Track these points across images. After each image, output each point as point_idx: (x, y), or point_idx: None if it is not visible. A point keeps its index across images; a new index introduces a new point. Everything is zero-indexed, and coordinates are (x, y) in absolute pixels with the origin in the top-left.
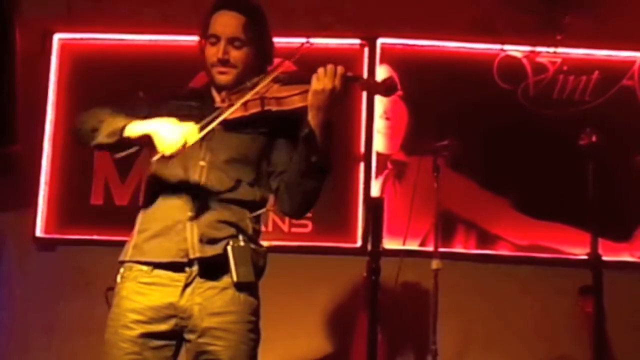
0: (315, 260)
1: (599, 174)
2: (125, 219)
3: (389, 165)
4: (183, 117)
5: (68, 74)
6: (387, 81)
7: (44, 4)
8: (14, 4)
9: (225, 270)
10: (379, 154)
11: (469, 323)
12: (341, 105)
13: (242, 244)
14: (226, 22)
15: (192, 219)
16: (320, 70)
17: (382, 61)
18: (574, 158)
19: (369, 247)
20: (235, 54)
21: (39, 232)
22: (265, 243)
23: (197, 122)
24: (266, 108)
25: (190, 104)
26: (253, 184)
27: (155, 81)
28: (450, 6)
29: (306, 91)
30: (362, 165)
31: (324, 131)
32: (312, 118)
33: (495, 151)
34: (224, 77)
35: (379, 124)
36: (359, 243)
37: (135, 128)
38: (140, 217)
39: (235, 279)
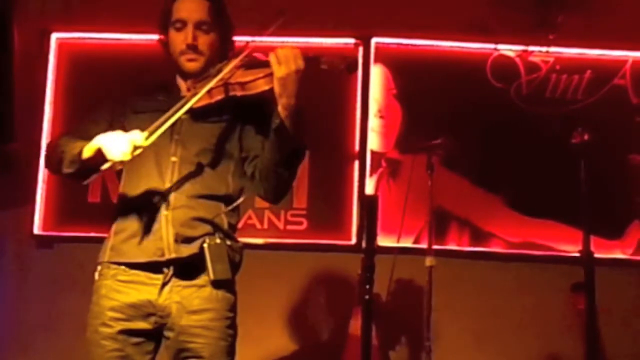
0: (311, 258)
1: (591, 172)
2: None
3: (384, 164)
4: (152, 112)
5: (65, 72)
6: (348, 59)
7: (42, 3)
8: (13, 3)
9: (202, 268)
10: (373, 152)
11: (462, 319)
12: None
13: (218, 241)
14: (192, 7)
15: (166, 217)
16: (280, 53)
17: (376, 60)
18: (566, 156)
19: (364, 245)
20: (203, 39)
21: (37, 230)
22: (260, 240)
23: (158, 115)
24: (231, 94)
25: (157, 97)
26: (226, 176)
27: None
28: (444, 6)
29: (271, 74)
30: (356, 164)
31: (295, 119)
32: (282, 108)
33: (488, 149)
34: (193, 64)
35: (374, 122)
36: (353, 240)
37: (87, 148)
38: (117, 219)
39: (212, 277)
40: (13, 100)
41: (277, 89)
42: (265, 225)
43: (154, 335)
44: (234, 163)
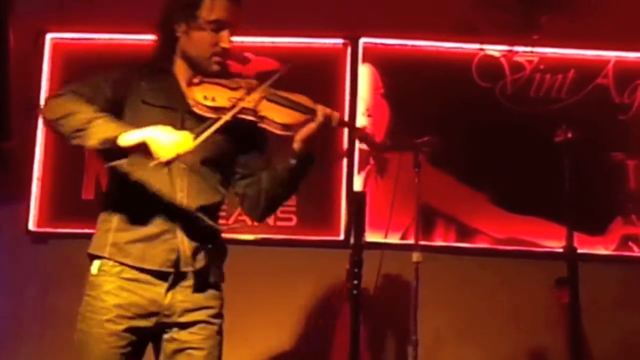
0: (300, 253)
1: (575, 170)
2: None
3: (371, 161)
4: (161, 107)
5: (60, 72)
6: (369, 134)
7: (37, 3)
8: (8, 3)
9: (203, 274)
10: (361, 150)
11: (448, 314)
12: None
13: (215, 247)
14: (232, 10)
15: (179, 229)
16: (326, 112)
17: (364, 60)
18: (550, 154)
19: (352, 240)
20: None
21: (31, 226)
22: (251, 236)
23: (167, 114)
24: (252, 119)
25: (161, 88)
26: (221, 187)
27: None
28: (431, 7)
29: (295, 124)
30: (345, 161)
31: (308, 163)
32: (300, 150)
33: (474, 147)
34: (219, 67)
35: (362, 121)
36: (342, 236)
37: (130, 137)
38: (117, 215)
39: (212, 280)
40: (9, 99)
41: (310, 134)
42: (256, 222)
43: (152, 335)
44: (224, 174)
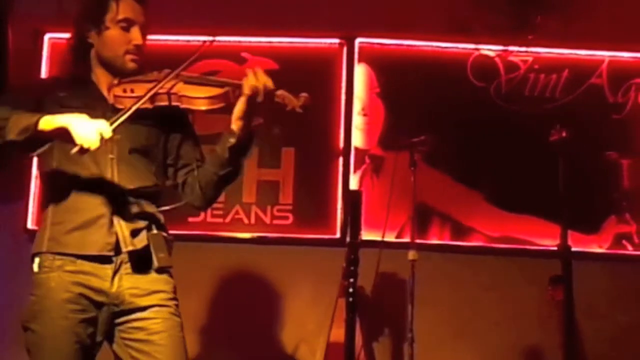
0: (296, 251)
1: (569, 169)
2: None
3: (367, 160)
4: (79, 107)
5: (58, 72)
6: (303, 98)
7: (35, 4)
8: (7, 4)
9: (145, 257)
10: (357, 149)
11: (444, 311)
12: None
13: (155, 232)
14: (138, 9)
15: (114, 213)
16: (259, 72)
17: (360, 60)
18: (544, 153)
19: (348, 239)
20: (144, 42)
21: (30, 224)
22: (247, 235)
23: (88, 113)
24: (173, 103)
25: (78, 92)
26: (153, 175)
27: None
28: (427, 7)
29: (215, 97)
30: (341, 160)
31: (249, 142)
32: (240, 128)
33: (469, 146)
34: (134, 64)
35: (357, 120)
36: (338, 234)
37: (51, 121)
38: (51, 210)
39: (157, 264)
40: None
41: (241, 108)
42: (252, 220)
43: (105, 325)
44: (156, 165)
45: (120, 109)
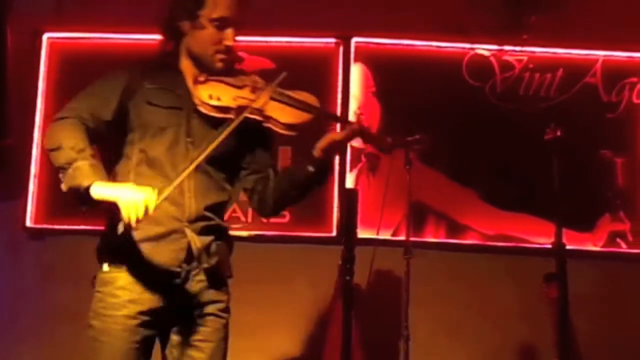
0: (293, 249)
1: (563, 167)
2: None
3: (363, 159)
4: (166, 107)
5: (57, 71)
6: (390, 141)
7: (34, 3)
8: (6, 3)
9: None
10: (353, 148)
11: (439, 309)
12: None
13: (224, 243)
14: (235, 7)
15: (189, 228)
16: (354, 127)
17: (356, 59)
18: (539, 152)
19: (344, 237)
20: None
21: (29, 222)
22: (245, 233)
23: (172, 116)
24: (259, 119)
25: (166, 86)
26: (227, 184)
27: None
28: (422, 7)
29: (301, 124)
30: (337, 159)
31: (325, 172)
32: (320, 158)
33: (464, 145)
34: (223, 64)
35: (353, 119)
36: (334, 233)
37: (101, 191)
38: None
39: (224, 275)
40: (6, 98)
41: (327, 145)
42: (250, 219)
43: (164, 328)
44: (229, 172)
45: (204, 114)
